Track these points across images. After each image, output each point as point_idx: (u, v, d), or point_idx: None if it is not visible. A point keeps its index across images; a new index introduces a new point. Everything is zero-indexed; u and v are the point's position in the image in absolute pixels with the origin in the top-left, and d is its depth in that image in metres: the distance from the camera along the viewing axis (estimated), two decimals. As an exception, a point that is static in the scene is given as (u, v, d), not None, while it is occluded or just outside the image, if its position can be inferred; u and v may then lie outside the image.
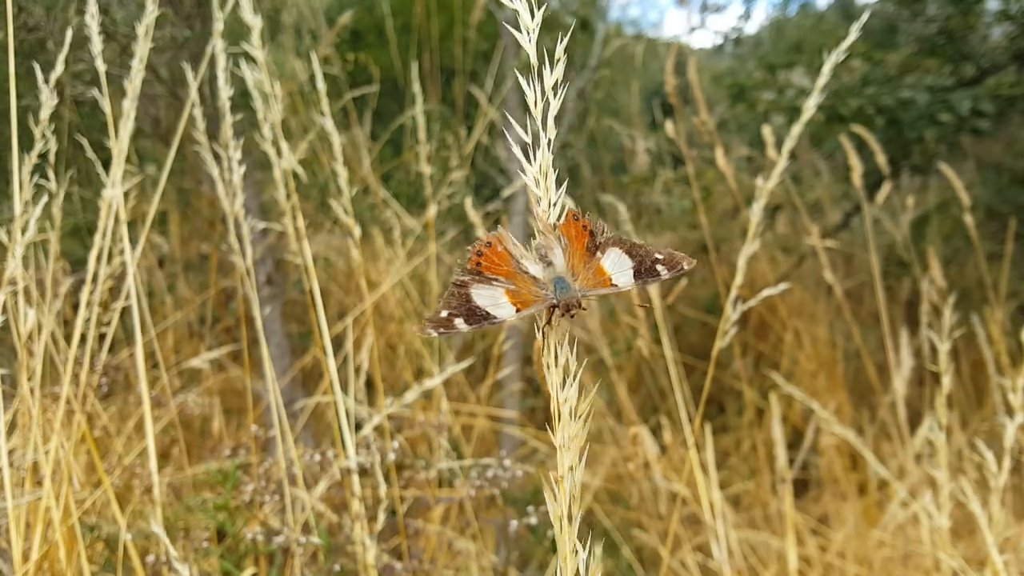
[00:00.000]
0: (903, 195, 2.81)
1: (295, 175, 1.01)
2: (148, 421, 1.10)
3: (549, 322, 0.49)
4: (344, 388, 1.37)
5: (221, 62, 0.85)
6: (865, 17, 0.87)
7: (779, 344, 2.44)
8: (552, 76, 0.47)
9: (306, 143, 1.64)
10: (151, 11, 0.94)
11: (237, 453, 1.05)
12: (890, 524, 1.64)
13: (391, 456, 0.97)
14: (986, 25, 2.32)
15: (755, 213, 0.86)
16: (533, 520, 0.97)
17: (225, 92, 0.84)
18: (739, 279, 0.85)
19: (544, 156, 0.48)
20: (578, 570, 0.47)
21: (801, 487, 2.19)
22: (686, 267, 0.50)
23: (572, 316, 0.49)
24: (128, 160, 1.91)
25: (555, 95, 0.47)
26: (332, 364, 1.03)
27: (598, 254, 0.51)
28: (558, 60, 0.47)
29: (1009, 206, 2.43)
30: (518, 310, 0.49)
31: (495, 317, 0.49)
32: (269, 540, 1.00)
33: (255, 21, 0.88)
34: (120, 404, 1.51)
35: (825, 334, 2.36)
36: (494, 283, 0.50)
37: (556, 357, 0.49)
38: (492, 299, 0.49)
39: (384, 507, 0.87)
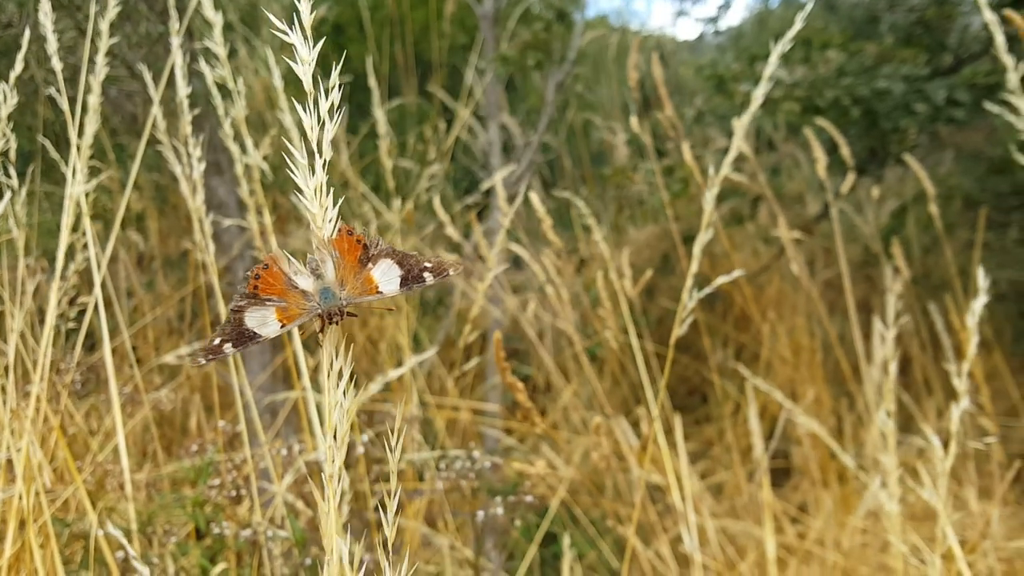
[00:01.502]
0: (885, 185, 2.83)
1: (262, 171, 1.01)
2: (118, 418, 1.10)
3: (322, 330, 0.52)
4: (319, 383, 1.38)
5: (178, 60, 0.85)
6: (809, 7, 0.87)
7: (760, 335, 2.46)
8: (327, 102, 0.49)
9: (270, 138, 1.64)
10: (113, 6, 0.93)
11: (205, 449, 1.05)
12: (866, 511, 1.65)
13: (360, 449, 0.98)
14: (965, 14, 2.33)
15: (708, 202, 0.87)
16: (500, 511, 0.98)
17: (183, 90, 0.84)
18: (694, 267, 0.86)
19: (319, 176, 0.51)
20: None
21: (782, 475, 2.20)
22: (451, 273, 0.54)
23: (336, 323, 0.52)
24: (103, 157, 1.90)
25: (331, 119, 0.50)
26: (302, 357, 1.03)
27: (369, 265, 0.54)
28: (333, 86, 0.49)
29: (988, 195, 2.44)
30: (283, 325, 0.52)
31: (260, 336, 0.52)
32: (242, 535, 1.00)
33: (216, 18, 0.88)
34: (96, 402, 1.51)
35: (804, 324, 2.37)
36: (267, 303, 0.53)
37: (332, 363, 0.51)
38: (261, 319, 0.52)
39: (349, 500, 0.87)
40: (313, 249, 0.53)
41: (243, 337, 0.52)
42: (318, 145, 0.50)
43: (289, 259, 0.53)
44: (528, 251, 1.75)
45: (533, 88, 2.86)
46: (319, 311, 0.52)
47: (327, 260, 0.53)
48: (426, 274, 0.53)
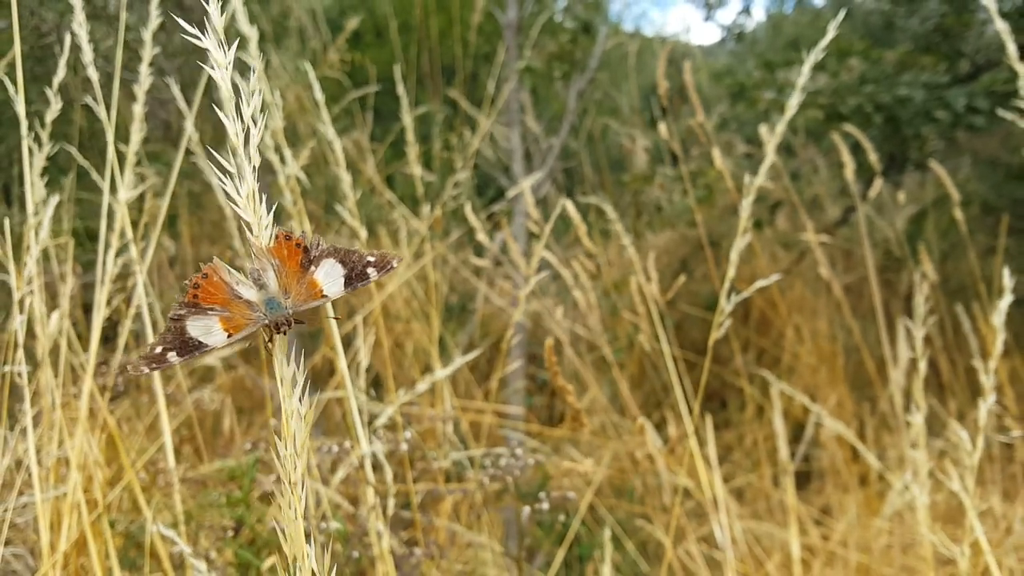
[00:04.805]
0: (904, 191, 2.84)
1: (299, 180, 1.04)
2: (164, 418, 1.14)
3: (271, 339, 0.52)
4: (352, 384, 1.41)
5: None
6: (841, 17, 0.90)
7: (780, 339, 2.48)
8: (251, 108, 0.48)
9: (308, 150, 1.68)
10: (155, 18, 0.97)
11: (257, 447, 1.08)
12: (890, 513, 1.67)
13: (403, 447, 1.01)
14: (981, 22, 2.35)
15: (744, 209, 0.90)
16: (545, 506, 1.00)
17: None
18: (731, 272, 0.88)
19: (251, 182, 0.49)
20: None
21: (804, 479, 2.22)
22: (395, 264, 0.53)
23: (283, 333, 0.51)
24: (138, 163, 1.94)
25: (256, 125, 0.48)
26: (343, 361, 1.06)
27: (312, 268, 0.53)
28: (253, 92, 0.47)
29: (1005, 201, 2.46)
30: (230, 335, 0.51)
31: (207, 345, 0.51)
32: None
33: (251, 32, 0.91)
34: (134, 403, 1.55)
35: (826, 328, 2.39)
36: (210, 313, 0.52)
37: (284, 371, 0.51)
38: (205, 328, 0.51)
39: (392, 497, 0.90)
40: (252, 259, 0.52)
41: (187, 346, 0.51)
42: (245, 151, 0.48)
43: (229, 270, 0.52)
44: (557, 257, 1.78)
45: (554, 95, 2.89)
46: (266, 322, 0.51)
47: (268, 269, 0.52)
48: (370, 270, 0.53)
